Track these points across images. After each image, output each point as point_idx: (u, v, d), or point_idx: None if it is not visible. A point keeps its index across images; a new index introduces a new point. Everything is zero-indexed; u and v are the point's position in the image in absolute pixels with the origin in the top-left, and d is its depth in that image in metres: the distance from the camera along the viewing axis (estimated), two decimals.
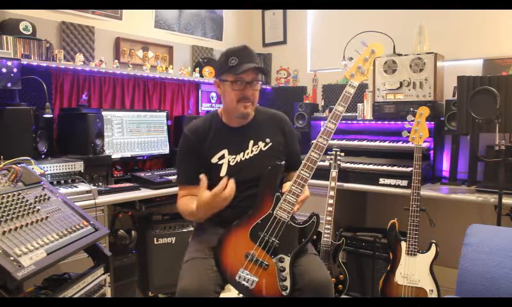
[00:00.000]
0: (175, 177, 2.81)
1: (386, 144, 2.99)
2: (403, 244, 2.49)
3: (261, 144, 1.89)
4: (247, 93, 1.80)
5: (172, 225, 2.87)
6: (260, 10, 4.17)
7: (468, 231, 1.86)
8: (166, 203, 2.93)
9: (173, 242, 2.84)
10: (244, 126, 1.91)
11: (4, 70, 2.23)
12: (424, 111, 2.52)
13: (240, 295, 1.76)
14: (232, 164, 1.85)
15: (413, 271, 2.45)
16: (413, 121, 2.61)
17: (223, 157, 1.86)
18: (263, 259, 1.70)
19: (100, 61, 2.87)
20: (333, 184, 2.75)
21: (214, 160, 1.85)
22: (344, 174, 2.92)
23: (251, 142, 1.88)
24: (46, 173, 2.27)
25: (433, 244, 2.45)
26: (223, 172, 1.84)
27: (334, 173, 2.78)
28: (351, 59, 3.05)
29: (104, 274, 1.83)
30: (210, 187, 1.87)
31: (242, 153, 1.87)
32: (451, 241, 2.69)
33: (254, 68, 1.78)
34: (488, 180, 2.63)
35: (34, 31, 2.57)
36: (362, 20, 3.42)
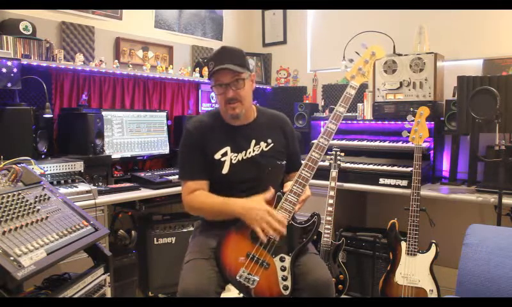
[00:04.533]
0: (175, 177, 2.81)
1: (386, 144, 2.99)
2: (403, 244, 2.49)
3: (262, 144, 1.89)
4: (229, 94, 1.79)
5: (172, 225, 2.87)
6: (260, 10, 4.17)
7: (468, 231, 1.86)
8: (166, 203, 2.93)
9: (173, 242, 2.84)
10: (246, 126, 1.90)
11: (4, 70, 2.23)
12: (424, 111, 2.52)
13: (241, 295, 1.76)
14: (233, 161, 1.85)
15: (413, 271, 2.45)
16: (413, 121, 2.61)
17: (225, 153, 1.85)
18: (264, 258, 1.70)
19: (100, 61, 2.87)
20: (333, 184, 2.75)
21: (217, 156, 1.85)
22: (344, 174, 2.92)
23: (253, 142, 1.88)
24: (46, 173, 2.27)
25: (433, 244, 2.45)
26: (225, 169, 1.84)
27: (334, 173, 2.78)
28: (352, 60, 3.06)
29: (104, 274, 1.83)
30: (212, 185, 1.88)
31: (244, 152, 1.86)
32: (451, 241, 2.69)
33: (228, 68, 1.76)
34: (488, 180, 2.62)
35: (34, 31, 2.57)
36: (362, 20, 3.42)
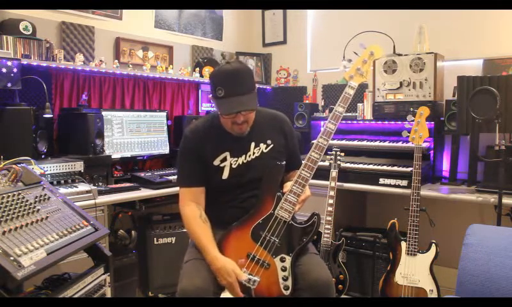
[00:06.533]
0: (175, 177, 2.81)
1: (386, 144, 2.99)
2: (403, 244, 2.49)
3: (262, 146, 1.88)
4: (238, 119, 1.77)
5: (172, 225, 2.87)
6: (260, 10, 4.17)
7: (468, 231, 1.86)
8: (166, 203, 2.93)
9: (173, 242, 2.84)
10: None
11: (4, 70, 2.23)
12: (424, 111, 2.53)
13: (242, 295, 1.76)
14: (233, 166, 1.84)
15: (413, 271, 2.45)
16: (413, 121, 2.61)
17: (225, 159, 1.84)
18: (264, 259, 1.70)
19: (100, 61, 2.87)
20: (333, 184, 2.75)
21: (216, 162, 1.84)
22: (344, 174, 2.92)
23: (253, 144, 1.87)
24: (46, 173, 2.27)
25: (433, 244, 2.45)
26: (225, 175, 1.83)
27: (334, 172, 2.78)
28: (350, 60, 3.05)
29: (104, 274, 1.83)
30: (212, 189, 1.87)
31: (244, 156, 1.85)
32: (451, 241, 2.69)
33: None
34: (488, 180, 2.62)
35: (34, 31, 2.57)
36: (362, 20, 3.42)
